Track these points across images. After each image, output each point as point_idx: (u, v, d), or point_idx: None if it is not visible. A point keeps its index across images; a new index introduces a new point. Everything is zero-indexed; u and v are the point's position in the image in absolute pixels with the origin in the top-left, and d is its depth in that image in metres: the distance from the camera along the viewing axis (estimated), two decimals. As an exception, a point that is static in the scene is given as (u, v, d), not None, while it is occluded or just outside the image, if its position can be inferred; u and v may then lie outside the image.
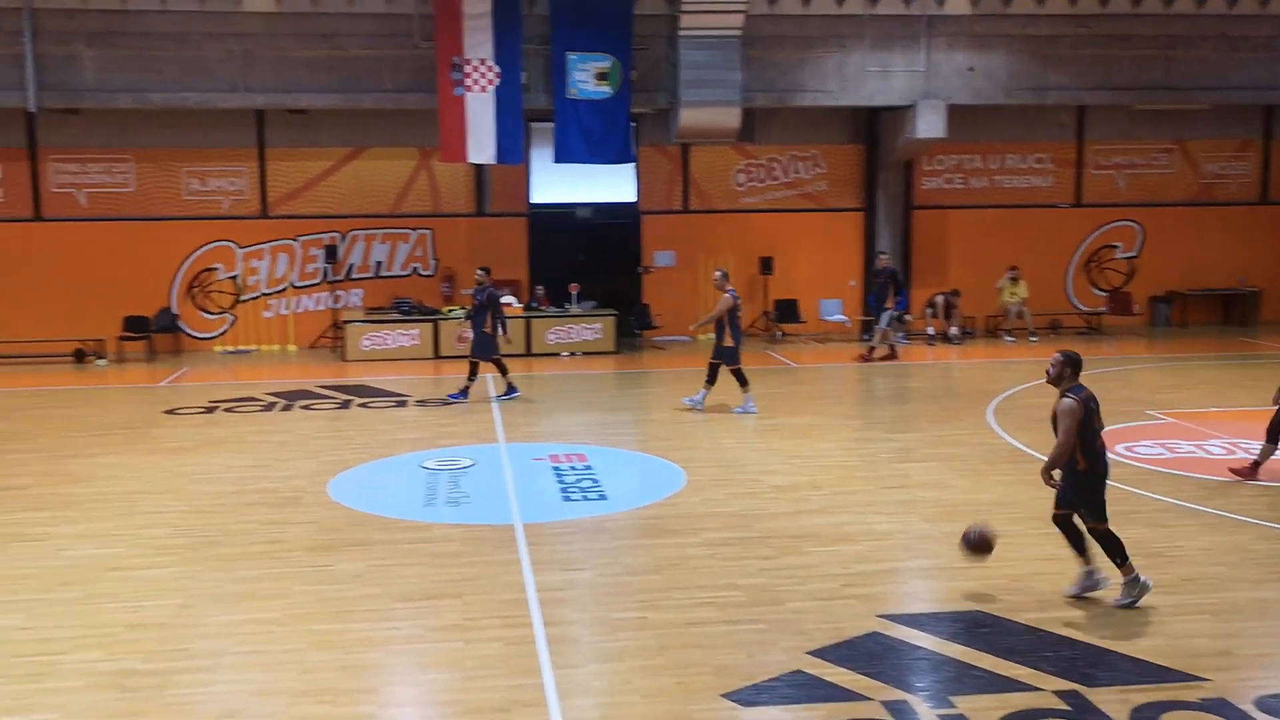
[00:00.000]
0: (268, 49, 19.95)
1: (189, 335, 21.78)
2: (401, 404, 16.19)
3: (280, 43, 19.96)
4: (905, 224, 23.34)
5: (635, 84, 20.40)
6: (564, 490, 11.31)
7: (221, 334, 21.88)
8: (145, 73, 19.72)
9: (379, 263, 22.10)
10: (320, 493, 11.30)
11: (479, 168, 21.90)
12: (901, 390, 17.90)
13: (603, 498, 11.03)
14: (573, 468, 12.21)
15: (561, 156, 20.37)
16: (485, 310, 15.95)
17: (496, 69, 19.71)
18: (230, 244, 21.69)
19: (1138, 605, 7.86)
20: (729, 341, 15.00)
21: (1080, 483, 7.88)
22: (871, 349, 19.98)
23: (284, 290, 21.92)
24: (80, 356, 20.54)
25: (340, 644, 7.50)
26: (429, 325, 20.54)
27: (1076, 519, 8.00)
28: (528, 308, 21.28)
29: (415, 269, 22.13)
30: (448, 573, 8.87)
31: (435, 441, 13.65)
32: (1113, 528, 7.99)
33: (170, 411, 15.75)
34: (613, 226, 23.03)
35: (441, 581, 8.67)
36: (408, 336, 20.45)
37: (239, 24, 19.86)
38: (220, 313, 21.84)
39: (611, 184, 22.33)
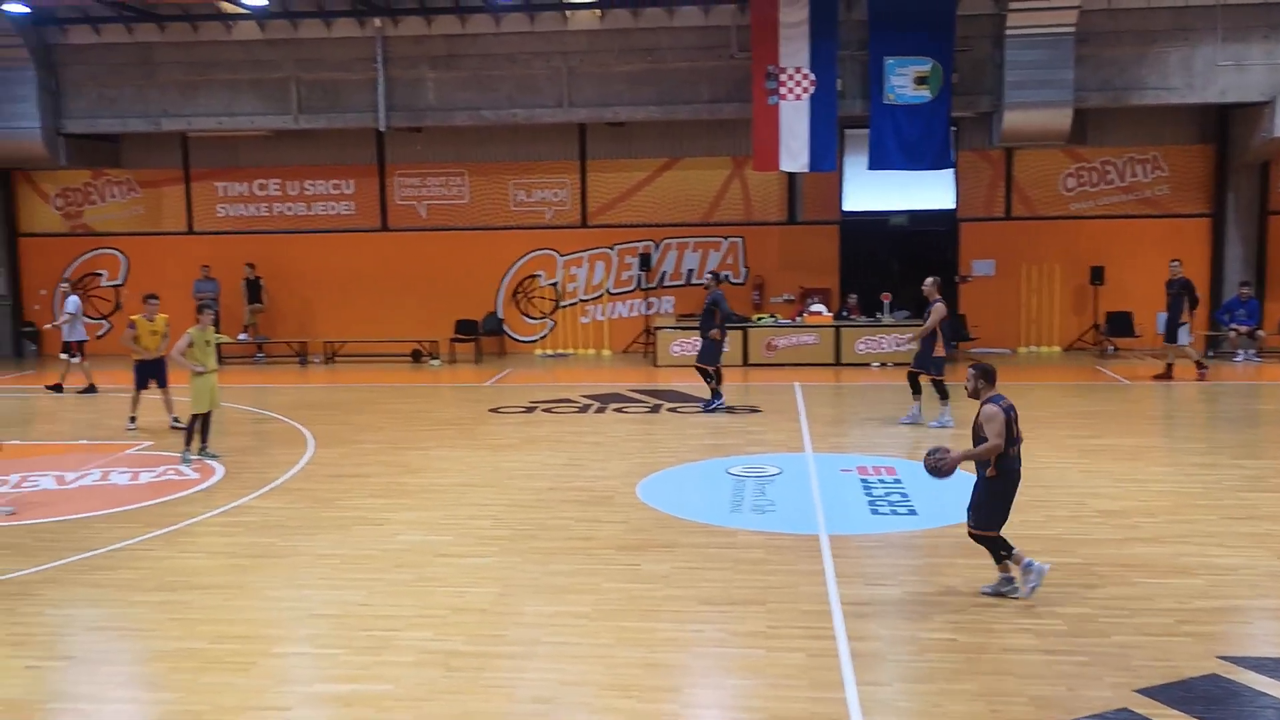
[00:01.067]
0: (591, 65, 20.79)
1: (512, 338, 23.02)
2: (709, 410, 16.36)
3: (602, 59, 20.75)
4: (1260, 231, 21.28)
5: (956, 87, 19.72)
6: (872, 503, 11.04)
7: (542, 338, 22.98)
8: (480, 91, 21.05)
9: (690, 270, 22.51)
10: (630, 493, 11.57)
11: (792, 176, 21.87)
12: (1254, 413, 16.30)
13: (913, 513, 10.67)
14: (881, 480, 11.90)
15: (877, 163, 19.99)
16: (713, 316, 16.01)
17: (812, 76, 19.61)
18: (552, 252, 22.75)
19: (999, 595, 8.23)
20: (940, 351, 14.64)
21: (989, 488, 8.18)
22: (1203, 366, 18.31)
23: (600, 297, 22.74)
24: (417, 356, 22.16)
25: (646, 642, 7.62)
26: (738, 333, 20.69)
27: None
28: (838, 317, 21.02)
29: (726, 276, 22.38)
30: (752, 579, 8.84)
31: (742, 448, 13.70)
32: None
33: (494, 410, 16.66)
34: (928, 234, 22.36)
35: (746, 588, 8.65)
36: (717, 343, 20.69)
37: (565, 42, 20.81)
38: (541, 318, 22.95)
39: (928, 190, 21.70)
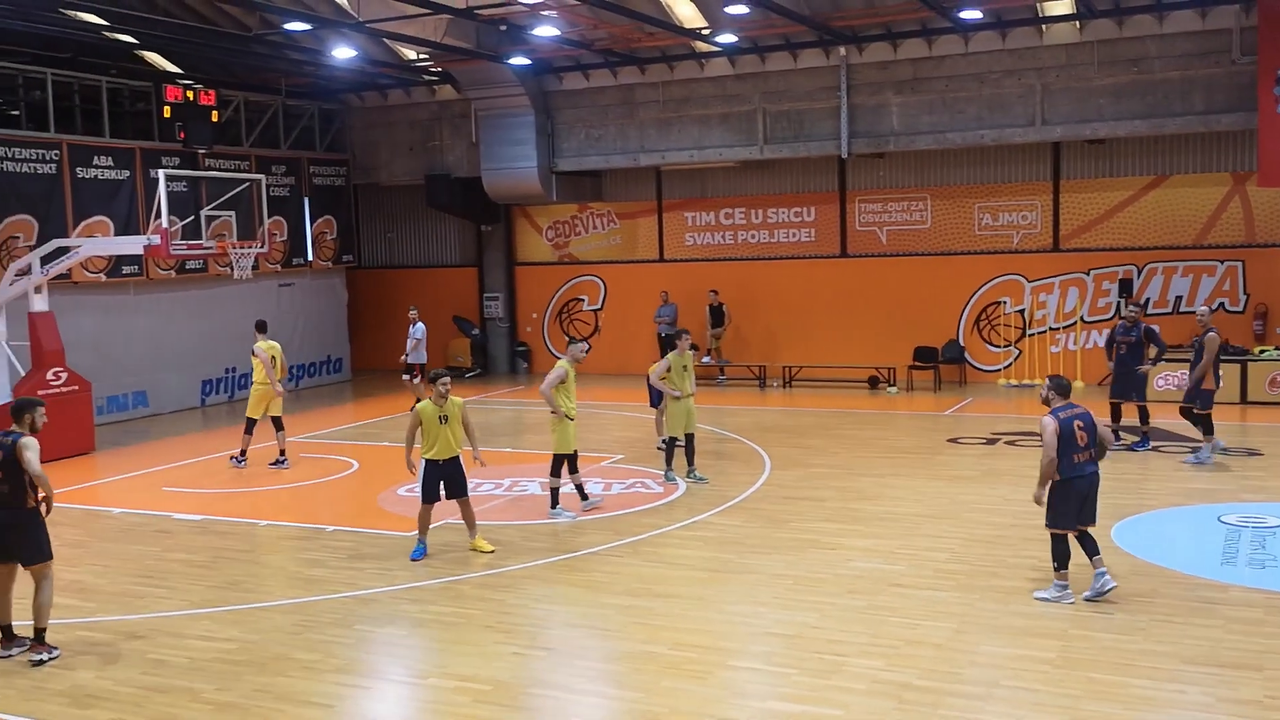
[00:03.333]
0: (1067, 80, 19.65)
1: (974, 367, 22.18)
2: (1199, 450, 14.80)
3: (1080, 72, 19.55)
4: None
5: None
6: (1405, 567, 9.42)
7: (1006, 367, 21.95)
8: (946, 114, 20.58)
9: (1179, 297, 20.53)
10: (1104, 536, 10.67)
11: (1303, 191, 19.33)
12: None
13: None
14: None
15: None
16: (1141, 348, 14.78)
17: (1333, 77, 17.25)
18: (1019, 277, 21.70)
19: (1049, 600, 8.80)
20: (1210, 384, 13.98)
21: (1054, 489, 8.90)
22: None
23: (1073, 325, 21.35)
24: (874, 383, 21.98)
25: (1119, 698, 6.98)
26: (1235, 366, 18.56)
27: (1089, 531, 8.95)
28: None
29: (1221, 304, 20.17)
30: (1246, 641, 7.85)
31: (1238, 495, 12.25)
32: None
33: (953, 440, 16.12)
34: None
35: (1239, 650, 7.70)
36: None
37: (1039, 58, 19.84)
38: (1005, 346, 21.94)
39: None
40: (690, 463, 13.77)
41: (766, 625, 8.61)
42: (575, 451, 12.33)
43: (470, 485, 11.01)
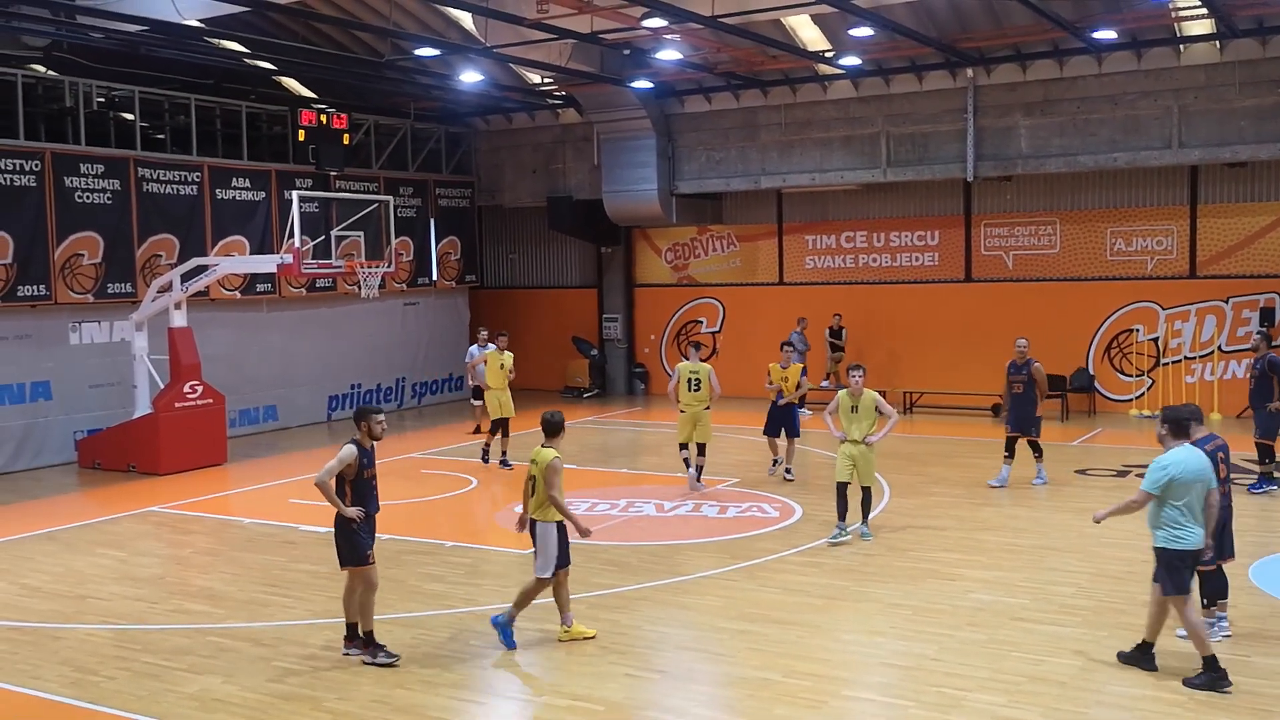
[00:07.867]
0: (1207, 101, 18.99)
1: (1104, 396, 21.49)
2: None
3: (1221, 94, 18.87)
4: None
5: None
6: None
7: (1138, 396, 21.21)
8: (1077, 136, 20.06)
9: (1324, 327, 19.59)
10: (1242, 576, 10.23)
11: None
12: None
13: None
14: None
15: None
16: (1268, 381, 13.83)
17: None
18: (1153, 304, 20.97)
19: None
20: (1040, 412, 14.88)
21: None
22: None
23: (1210, 354, 20.54)
24: (997, 411, 21.36)
25: (1259, 748, 6.65)
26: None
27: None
28: None
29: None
30: (1402, 694, 7.40)
31: (1389, 536, 11.59)
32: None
33: (1081, 471, 15.63)
34: None
35: (1393, 703, 7.26)
36: (1356, 412, 17.76)
37: (1176, 79, 19.21)
38: (1138, 375, 21.21)
39: None
40: (861, 513, 12.05)
41: (883, 655, 8.46)
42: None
43: (584, 506, 10.98)
